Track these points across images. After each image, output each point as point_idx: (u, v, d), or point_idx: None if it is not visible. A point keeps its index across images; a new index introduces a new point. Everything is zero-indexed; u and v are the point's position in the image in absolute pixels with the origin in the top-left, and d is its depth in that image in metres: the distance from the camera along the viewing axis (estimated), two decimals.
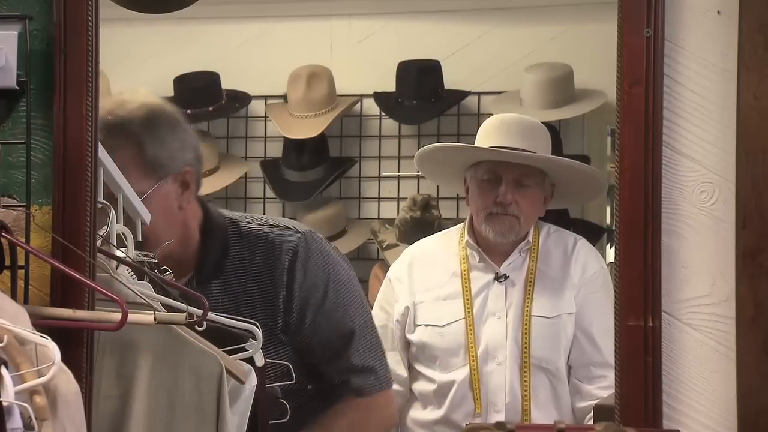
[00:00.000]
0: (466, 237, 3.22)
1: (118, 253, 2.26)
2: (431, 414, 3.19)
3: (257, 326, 2.27)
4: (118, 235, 2.22)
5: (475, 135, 3.35)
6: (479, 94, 4.43)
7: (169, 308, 2.18)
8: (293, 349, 2.54)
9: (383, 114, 4.54)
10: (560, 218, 3.56)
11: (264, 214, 4.46)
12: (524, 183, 3.15)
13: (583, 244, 3.24)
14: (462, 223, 3.29)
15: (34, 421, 1.65)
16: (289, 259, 2.53)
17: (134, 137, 2.47)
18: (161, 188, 2.49)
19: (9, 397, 1.63)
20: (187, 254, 2.55)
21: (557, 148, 3.67)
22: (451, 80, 4.42)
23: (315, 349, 2.56)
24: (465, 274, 3.19)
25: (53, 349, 1.71)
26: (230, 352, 2.21)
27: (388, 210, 4.52)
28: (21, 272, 2.08)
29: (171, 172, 2.51)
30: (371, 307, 2.99)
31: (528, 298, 3.14)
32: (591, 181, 3.29)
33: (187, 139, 2.57)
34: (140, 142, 2.47)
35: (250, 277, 2.53)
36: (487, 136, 3.23)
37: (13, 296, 2.01)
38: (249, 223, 2.60)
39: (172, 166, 2.51)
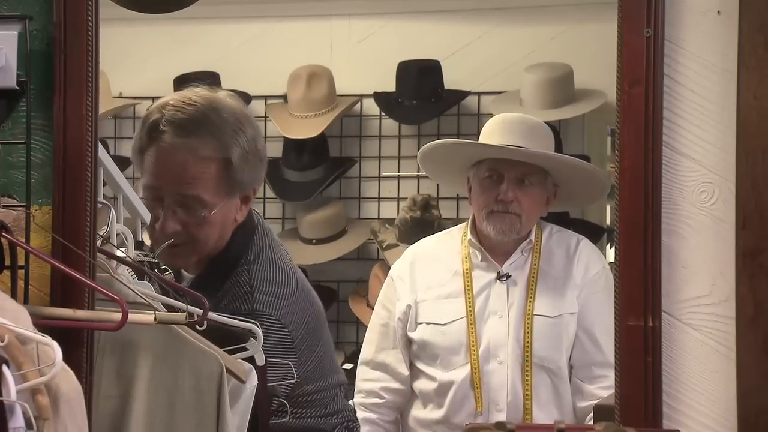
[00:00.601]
0: (469, 236, 3.22)
1: (118, 253, 2.26)
2: (432, 413, 3.19)
3: (257, 325, 2.27)
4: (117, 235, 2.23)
5: (475, 135, 3.34)
6: (479, 94, 4.43)
7: (170, 308, 2.18)
8: None
9: (383, 114, 4.54)
10: (560, 219, 3.56)
11: (264, 213, 4.46)
12: (526, 181, 3.15)
13: (585, 244, 3.24)
14: (465, 223, 3.29)
15: (33, 420, 1.66)
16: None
17: (223, 152, 2.41)
18: (228, 203, 2.46)
19: (11, 396, 1.63)
20: (208, 253, 2.50)
21: (557, 149, 3.66)
22: (451, 80, 4.42)
23: None
24: (467, 273, 3.19)
25: (55, 349, 1.71)
26: (231, 352, 2.21)
27: (388, 210, 4.52)
28: (21, 272, 2.09)
29: (242, 192, 2.47)
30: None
31: (530, 298, 3.14)
32: (594, 180, 3.29)
33: (263, 154, 2.51)
34: (230, 162, 2.41)
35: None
36: (490, 135, 3.23)
37: (13, 296, 2.01)
38: (260, 257, 2.51)
39: (245, 188, 2.48)
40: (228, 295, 2.46)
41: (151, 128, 2.41)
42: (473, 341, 3.12)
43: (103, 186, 2.50)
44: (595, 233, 3.96)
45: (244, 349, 2.25)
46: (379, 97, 4.50)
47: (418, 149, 3.45)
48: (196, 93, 2.46)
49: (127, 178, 2.76)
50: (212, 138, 2.40)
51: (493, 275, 3.18)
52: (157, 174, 2.41)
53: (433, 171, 3.53)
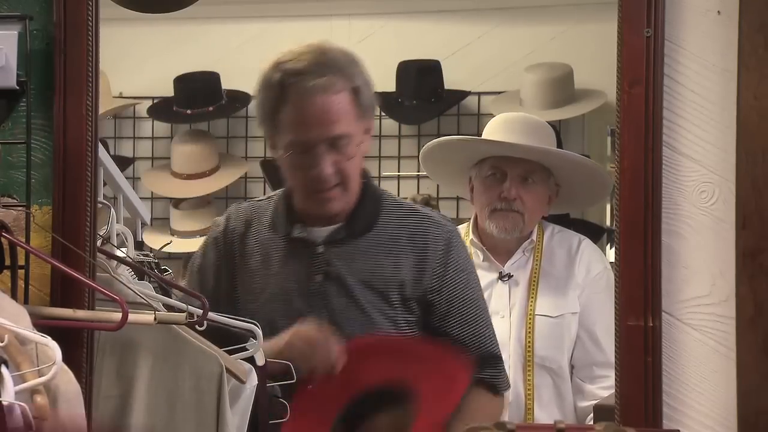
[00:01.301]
0: (471, 236, 3.22)
1: (118, 253, 2.26)
2: None
3: (257, 325, 2.27)
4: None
5: (476, 135, 3.34)
6: (479, 94, 4.43)
7: (170, 308, 2.18)
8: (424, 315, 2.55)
9: (383, 114, 4.54)
10: (560, 219, 3.56)
11: None
12: (529, 179, 3.15)
13: (587, 244, 3.24)
14: (466, 223, 3.29)
15: (32, 421, 1.66)
16: (444, 240, 2.54)
17: (350, 82, 2.49)
18: (360, 134, 2.51)
19: (9, 396, 1.63)
20: (345, 203, 2.54)
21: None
22: (451, 80, 4.42)
23: (448, 320, 2.57)
24: None
25: (54, 349, 1.71)
26: (231, 352, 2.21)
27: None
28: (21, 272, 2.09)
29: (366, 123, 2.54)
30: None
31: (532, 298, 3.14)
32: (596, 179, 3.28)
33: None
34: (357, 87, 2.49)
35: (400, 241, 2.53)
36: (493, 134, 3.22)
37: (13, 296, 2.01)
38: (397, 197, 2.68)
39: (370, 115, 2.55)
40: (406, 228, 2.54)
41: (278, 87, 2.45)
42: None
43: (103, 186, 2.50)
44: (595, 233, 3.95)
45: (244, 349, 2.25)
46: (379, 97, 4.49)
47: (418, 149, 3.45)
48: (296, 48, 2.51)
49: (127, 178, 2.76)
50: (337, 72, 2.47)
51: (495, 275, 3.18)
52: (301, 125, 2.45)
53: (434, 171, 3.52)
